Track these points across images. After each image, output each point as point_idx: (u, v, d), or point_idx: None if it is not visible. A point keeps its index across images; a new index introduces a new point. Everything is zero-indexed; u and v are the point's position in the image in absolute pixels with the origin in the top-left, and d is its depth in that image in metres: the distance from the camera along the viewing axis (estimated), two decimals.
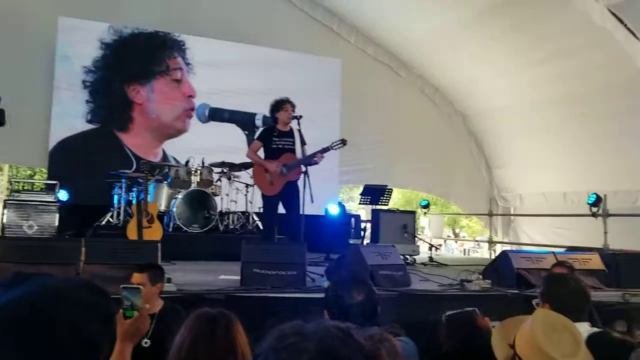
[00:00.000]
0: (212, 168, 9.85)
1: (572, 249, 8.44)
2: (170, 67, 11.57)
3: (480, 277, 6.46)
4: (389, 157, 13.85)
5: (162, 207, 9.19)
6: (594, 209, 9.94)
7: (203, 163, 9.72)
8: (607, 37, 9.77)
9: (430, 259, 10.09)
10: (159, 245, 5.26)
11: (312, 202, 6.90)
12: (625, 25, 9.71)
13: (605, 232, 9.74)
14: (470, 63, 12.74)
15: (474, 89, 13.76)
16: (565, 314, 2.85)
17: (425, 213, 13.55)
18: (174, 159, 11.26)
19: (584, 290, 3.44)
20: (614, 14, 9.66)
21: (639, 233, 10.06)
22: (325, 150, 7.25)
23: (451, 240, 27.18)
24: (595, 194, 10.07)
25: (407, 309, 5.31)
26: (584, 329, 3.10)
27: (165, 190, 9.38)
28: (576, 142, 11.99)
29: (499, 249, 14.03)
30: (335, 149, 7.44)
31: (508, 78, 12.50)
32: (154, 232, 7.94)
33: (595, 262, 6.74)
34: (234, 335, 2.26)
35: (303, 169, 7.23)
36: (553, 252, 6.77)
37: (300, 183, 7.28)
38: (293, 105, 7.59)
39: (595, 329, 3.32)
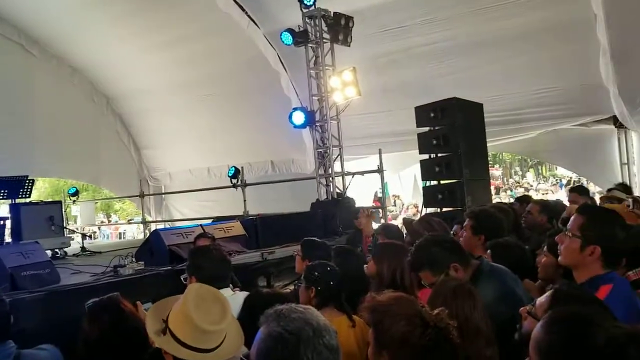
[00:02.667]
0: None
1: (217, 220, 9.07)
2: None
3: (134, 259, 6.37)
4: (26, 144, 12.31)
5: None
6: (234, 181, 10.88)
7: None
8: (231, 23, 10.68)
9: (83, 248, 9.46)
10: None
11: None
12: (246, 13, 10.78)
13: (245, 200, 10.80)
14: (105, 44, 12.27)
15: (116, 70, 13.32)
16: (211, 283, 3.03)
17: (74, 201, 12.62)
18: None
19: (225, 258, 3.72)
20: (236, 2, 10.61)
21: (270, 198, 11.47)
22: None
23: (105, 226, 26.14)
24: (234, 167, 11.00)
25: (57, 308, 4.86)
26: (227, 294, 3.37)
27: None
28: (214, 120, 12.86)
29: (154, 228, 14.12)
30: None
31: (145, 60, 12.50)
32: None
33: (237, 228, 7.38)
34: None
35: None
36: (201, 225, 7.11)
37: None
38: None
39: (241, 292, 3.64)
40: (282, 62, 11.29)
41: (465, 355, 2.15)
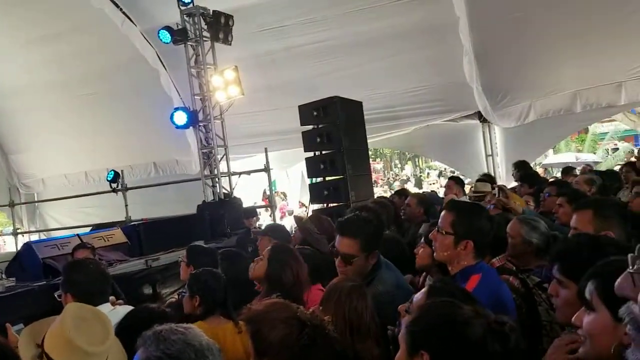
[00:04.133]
0: None
1: (96, 227, 8.55)
2: None
3: (3, 275, 5.81)
4: None
5: None
6: (114, 185, 10.30)
7: None
8: (106, 20, 10.06)
9: None
10: None
11: None
12: (120, 10, 10.21)
13: (126, 205, 10.26)
14: None
15: None
16: (88, 300, 2.81)
17: None
18: None
19: (103, 271, 3.47)
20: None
21: (155, 201, 11.02)
22: None
23: None
24: (113, 170, 10.41)
25: None
26: (107, 309, 3.15)
27: None
28: (91, 122, 12.07)
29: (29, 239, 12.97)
30: None
31: (12, 59, 11.44)
32: None
33: (118, 236, 7.01)
34: None
35: None
36: (78, 235, 6.66)
37: None
38: None
39: (122, 306, 3.41)
40: (161, 61, 10.85)
41: (355, 351, 2.19)
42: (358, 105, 8.27)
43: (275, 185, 15.30)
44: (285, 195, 18.66)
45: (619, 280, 0.80)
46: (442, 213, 2.65)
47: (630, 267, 0.78)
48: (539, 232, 3.26)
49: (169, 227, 7.97)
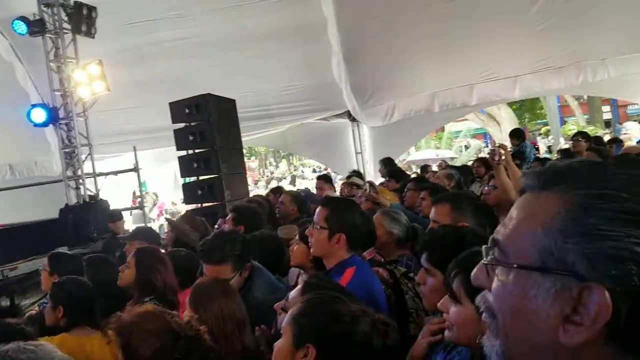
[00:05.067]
0: None
1: None
2: None
3: None
4: None
5: None
6: None
7: None
8: None
9: None
10: None
11: None
12: None
13: None
14: None
15: None
16: None
17: None
18: None
19: None
20: None
21: (11, 206, 9.98)
22: None
23: None
24: None
25: None
26: None
27: None
28: None
29: None
30: None
31: None
32: None
33: None
34: None
35: None
36: None
37: None
38: None
39: None
40: (15, 53, 9.84)
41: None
42: (231, 103, 8.15)
43: (146, 185, 14.64)
44: (156, 195, 17.93)
45: (474, 271, 0.85)
46: (317, 209, 2.70)
47: (485, 259, 0.84)
48: (400, 223, 3.45)
49: (28, 233, 7.27)
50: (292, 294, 1.98)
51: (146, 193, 14.74)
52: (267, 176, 30.29)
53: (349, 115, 10.39)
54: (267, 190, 9.75)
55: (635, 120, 22.60)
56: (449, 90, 9.27)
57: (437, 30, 8.50)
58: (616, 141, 8.50)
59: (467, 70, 8.99)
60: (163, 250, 3.75)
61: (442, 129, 24.52)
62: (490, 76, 8.97)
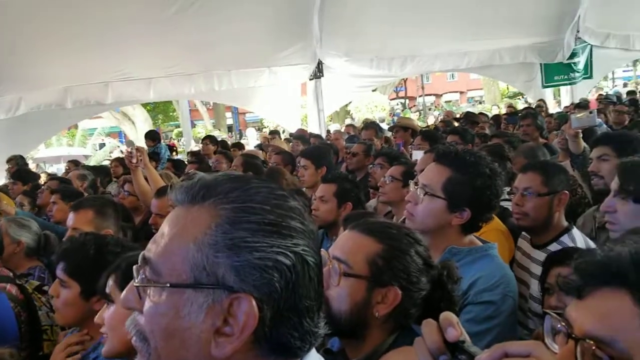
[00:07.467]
0: None
1: None
2: None
3: None
4: None
5: None
6: None
7: None
8: None
9: None
10: None
11: None
12: None
13: None
14: None
15: None
16: None
17: None
18: None
19: None
20: None
21: None
22: None
23: None
24: None
25: None
26: None
27: None
28: None
29: None
30: None
31: None
32: None
33: None
34: None
35: None
36: None
37: None
38: None
39: None
40: None
41: None
42: None
43: None
44: None
45: (124, 294, 0.78)
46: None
47: (135, 280, 0.77)
48: (30, 231, 3.04)
49: None
50: None
51: None
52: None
53: None
54: None
55: (252, 127, 25.89)
56: (83, 87, 8.64)
57: (66, 22, 7.74)
58: (239, 146, 9.41)
59: (103, 67, 8.57)
60: None
61: (76, 126, 22.83)
62: (126, 76, 8.76)
